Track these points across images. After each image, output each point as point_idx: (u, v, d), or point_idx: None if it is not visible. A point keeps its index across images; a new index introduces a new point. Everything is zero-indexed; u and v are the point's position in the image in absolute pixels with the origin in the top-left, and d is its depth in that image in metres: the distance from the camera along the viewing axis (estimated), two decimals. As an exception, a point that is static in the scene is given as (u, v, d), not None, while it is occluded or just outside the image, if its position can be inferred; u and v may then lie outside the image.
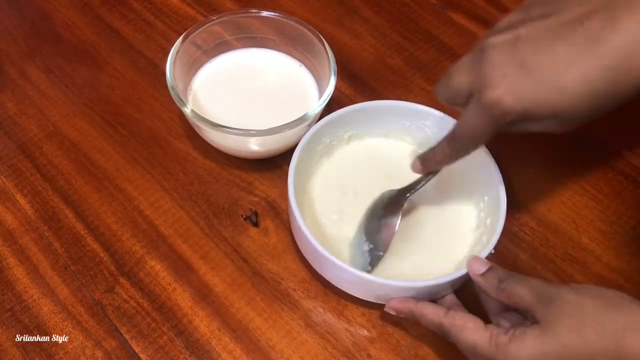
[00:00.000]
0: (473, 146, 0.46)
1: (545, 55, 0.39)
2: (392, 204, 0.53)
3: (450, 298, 0.50)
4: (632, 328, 0.38)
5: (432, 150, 0.49)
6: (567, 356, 0.39)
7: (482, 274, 0.45)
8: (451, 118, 0.54)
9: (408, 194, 0.52)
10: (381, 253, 0.52)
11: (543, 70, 0.39)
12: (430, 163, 0.50)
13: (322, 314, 0.52)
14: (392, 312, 0.49)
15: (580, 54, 0.38)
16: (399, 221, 0.52)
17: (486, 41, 0.42)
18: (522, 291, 0.43)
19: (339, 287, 0.52)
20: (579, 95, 0.39)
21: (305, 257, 0.53)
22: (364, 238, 0.53)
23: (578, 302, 0.40)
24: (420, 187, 0.52)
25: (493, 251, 0.48)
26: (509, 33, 0.41)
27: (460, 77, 0.44)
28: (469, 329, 0.44)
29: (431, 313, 0.46)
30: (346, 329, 0.52)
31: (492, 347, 0.42)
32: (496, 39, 0.41)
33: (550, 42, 0.40)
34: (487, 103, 0.41)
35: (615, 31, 0.38)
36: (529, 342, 0.41)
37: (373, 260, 0.52)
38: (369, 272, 0.51)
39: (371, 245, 0.52)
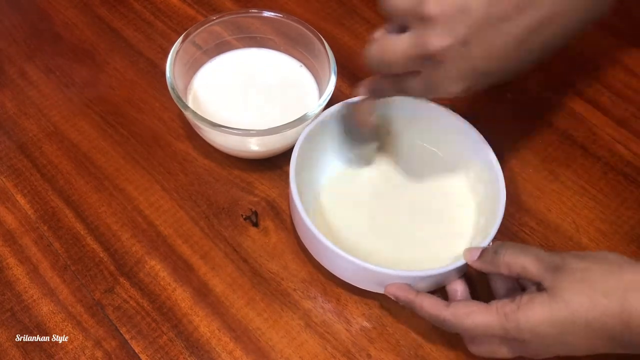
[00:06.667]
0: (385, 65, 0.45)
1: None
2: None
3: (462, 288, 0.49)
4: (634, 288, 0.39)
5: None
6: (576, 321, 0.40)
7: (478, 257, 0.47)
8: (455, 113, 0.55)
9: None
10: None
11: None
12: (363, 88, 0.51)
13: (322, 314, 0.52)
14: (392, 297, 0.49)
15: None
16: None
17: None
18: (526, 261, 0.43)
19: (342, 278, 0.51)
20: None
21: (308, 248, 0.53)
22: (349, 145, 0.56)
23: (586, 268, 0.41)
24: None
25: (491, 243, 0.48)
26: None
27: None
28: (474, 313, 0.44)
29: (430, 306, 0.46)
30: (346, 329, 0.52)
31: (502, 318, 0.42)
32: None
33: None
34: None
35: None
36: (537, 308, 0.41)
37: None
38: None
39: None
